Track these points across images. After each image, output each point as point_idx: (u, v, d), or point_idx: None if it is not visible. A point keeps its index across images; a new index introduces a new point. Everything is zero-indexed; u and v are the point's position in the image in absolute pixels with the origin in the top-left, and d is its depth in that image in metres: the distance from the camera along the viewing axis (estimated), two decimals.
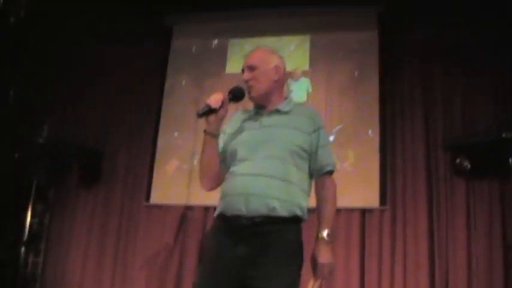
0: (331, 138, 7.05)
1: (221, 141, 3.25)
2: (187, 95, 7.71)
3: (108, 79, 7.96)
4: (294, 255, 3.03)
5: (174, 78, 7.83)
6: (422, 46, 7.19)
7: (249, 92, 3.26)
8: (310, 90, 7.36)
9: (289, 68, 7.24)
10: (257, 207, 2.94)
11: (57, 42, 7.87)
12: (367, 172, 6.89)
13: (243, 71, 3.31)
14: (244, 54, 3.47)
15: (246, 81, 3.25)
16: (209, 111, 3.09)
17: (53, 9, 7.28)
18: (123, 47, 7.90)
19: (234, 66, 7.69)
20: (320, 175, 3.22)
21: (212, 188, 3.26)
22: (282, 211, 2.96)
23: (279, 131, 3.16)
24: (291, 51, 7.60)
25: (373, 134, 7.00)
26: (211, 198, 3.69)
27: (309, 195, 3.19)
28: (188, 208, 7.24)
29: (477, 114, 6.79)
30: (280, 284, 2.91)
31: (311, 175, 3.22)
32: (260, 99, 3.28)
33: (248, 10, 7.69)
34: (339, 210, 6.58)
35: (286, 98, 3.36)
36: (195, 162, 7.17)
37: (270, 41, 7.62)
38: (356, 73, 7.31)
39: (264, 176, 3.01)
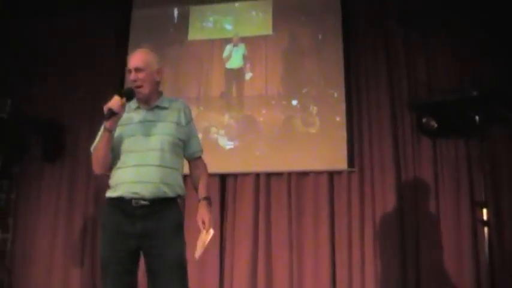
0: (295, 102, 7.08)
1: None
2: None
3: (67, 50, 7.82)
4: (180, 225, 3.82)
5: (135, 48, 7.65)
6: (384, 7, 7.14)
7: (137, 92, 3.81)
8: (246, 53, 7.43)
9: (253, 33, 7.38)
10: (151, 191, 3.64)
11: (10, 16, 7.70)
12: (334, 135, 6.89)
13: (129, 71, 3.82)
14: (130, 56, 3.92)
15: (134, 81, 3.79)
16: (112, 115, 3.61)
17: None
18: (81, 16, 7.75)
19: (196, 33, 7.67)
20: (193, 159, 4.09)
21: (102, 173, 3.83)
22: (170, 193, 3.73)
23: (161, 125, 3.81)
24: (253, 16, 7.54)
25: (338, 96, 6.98)
26: None
27: (183, 175, 3.98)
28: None
29: (441, 73, 6.77)
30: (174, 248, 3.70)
31: (184, 157, 4.03)
32: (145, 98, 3.86)
33: None
34: (307, 174, 6.69)
35: (161, 94, 3.99)
36: None
37: (231, 7, 7.58)
38: (320, 36, 7.26)
39: (151, 165, 3.69)
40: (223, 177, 7.09)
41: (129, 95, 3.73)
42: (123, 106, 3.65)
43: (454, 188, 6.46)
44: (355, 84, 7.06)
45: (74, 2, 7.71)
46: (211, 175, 6.80)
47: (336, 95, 6.99)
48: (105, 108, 3.61)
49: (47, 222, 7.43)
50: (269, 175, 6.97)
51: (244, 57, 7.41)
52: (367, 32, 7.17)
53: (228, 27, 7.58)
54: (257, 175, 6.98)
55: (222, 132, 7.20)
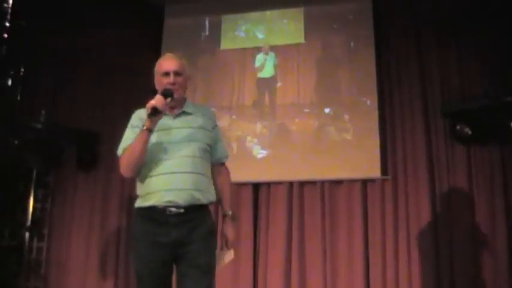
0: (328, 110, 7.10)
1: (135, 135, 3.67)
2: None
3: (101, 60, 7.89)
4: (212, 232, 3.71)
5: None
6: (415, 13, 7.14)
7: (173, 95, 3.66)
8: (277, 63, 7.45)
9: (285, 41, 7.39)
10: (184, 198, 3.52)
11: (47, 27, 7.80)
12: (367, 142, 6.87)
13: (166, 74, 3.71)
14: (167, 59, 3.80)
15: (173, 84, 3.67)
16: (156, 112, 3.46)
17: None
18: (115, 27, 7.81)
19: (228, 42, 7.71)
20: (218, 164, 3.92)
21: (133, 176, 3.69)
22: (203, 199, 3.61)
23: (190, 132, 3.69)
24: (285, 25, 7.56)
25: (371, 104, 6.96)
26: None
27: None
28: None
29: (474, 78, 6.72)
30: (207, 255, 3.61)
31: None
32: (177, 103, 3.72)
33: None
34: (340, 182, 6.67)
35: (185, 100, 3.84)
36: None
37: (263, 16, 7.62)
38: (352, 44, 7.27)
39: (184, 173, 3.57)
40: (256, 186, 7.10)
41: (169, 96, 3.59)
42: (166, 105, 3.54)
43: (488, 195, 6.40)
44: (387, 92, 7.06)
45: (109, 13, 7.78)
46: (244, 184, 6.98)
47: (368, 102, 6.97)
48: (149, 106, 3.47)
49: (82, 231, 7.48)
50: (302, 184, 6.96)
51: (275, 66, 7.42)
52: (399, 39, 7.17)
53: (260, 36, 7.61)
54: (290, 184, 6.97)
55: (255, 140, 7.21)
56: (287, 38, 7.50)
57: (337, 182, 6.86)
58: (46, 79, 7.96)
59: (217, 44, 7.72)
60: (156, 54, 7.48)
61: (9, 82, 7.30)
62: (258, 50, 7.53)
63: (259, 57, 7.49)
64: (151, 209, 3.57)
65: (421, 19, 7.11)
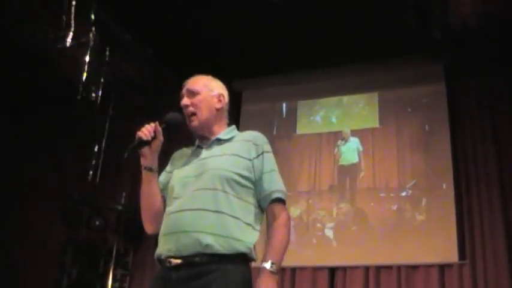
0: (404, 193, 7.01)
1: (163, 179, 3.00)
2: None
3: (179, 146, 8.12)
4: None
5: None
6: (491, 95, 7.10)
7: (190, 121, 2.96)
8: (361, 149, 7.44)
9: (360, 126, 7.46)
10: (187, 244, 2.59)
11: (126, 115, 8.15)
12: (444, 226, 6.77)
13: (182, 96, 3.00)
14: (188, 81, 3.06)
15: (186, 107, 2.95)
16: (141, 144, 2.80)
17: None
18: None
19: (304, 127, 7.88)
20: (268, 203, 2.81)
21: (156, 231, 2.84)
22: (219, 247, 2.57)
23: (214, 160, 2.83)
24: (360, 109, 7.66)
25: (447, 187, 6.89)
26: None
27: (257, 229, 2.80)
28: None
29: None
30: None
31: (260, 205, 2.84)
32: (201, 129, 2.96)
33: (315, 71, 7.79)
34: (417, 267, 6.56)
35: (226, 126, 3.06)
36: None
37: (339, 101, 7.78)
38: (426, 127, 7.27)
39: (192, 210, 2.66)
40: (332, 271, 7.06)
41: (170, 122, 2.91)
42: (157, 133, 2.83)
43: None
44: (463, 173, 6.97)
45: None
46: (320, 268, 6.97)
47: (444, 186, 6.92)
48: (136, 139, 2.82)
49: None
50: (378, 268, 6.88)
51: (359, 152, 7.48)
52: (475, 120, 7.12)
53: (335, 120, 7.74)
54: (366, 268, 6.89)
55: (331, 225, 7.23)
56: (362, 122, 7.61)
57: (414, 267, 6.75)
58: (128, 162, 8.26)
59: (293, 128, 7.91)
60: None
61: (93, 162, 7.60)
62: (334, 135, 7.63)
63: (339, 144, 7.58)
64: (158, 261, 2.73)
65: (496, 99, 7.05)
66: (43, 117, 8.70)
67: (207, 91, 2.98)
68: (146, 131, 2.80)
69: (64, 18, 6.16)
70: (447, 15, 5.95)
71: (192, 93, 2.95)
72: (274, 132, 7.99)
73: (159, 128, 2.84)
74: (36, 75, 7.64)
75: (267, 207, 2.81)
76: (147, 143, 2.79)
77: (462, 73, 7.21)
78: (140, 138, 2.79)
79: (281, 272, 6.98)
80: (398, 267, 6.78)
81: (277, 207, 2.79)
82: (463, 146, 7.08)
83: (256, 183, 2.81)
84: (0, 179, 8.25)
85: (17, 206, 8.45)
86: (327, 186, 7.47)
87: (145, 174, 2.84)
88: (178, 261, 2.58)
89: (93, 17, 6.41)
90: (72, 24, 6.20)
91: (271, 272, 2.58)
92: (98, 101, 6.86)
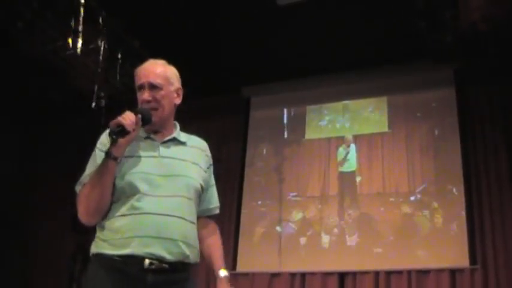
0: (414, 198, 7.05)
1: None
2: (268, 164, 7.89)
3: None
4: None
5: (254, 148, 8.01)
6: (501, 99, 7.07)
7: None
8: (358, 155, 7.53)
9: (369, 131, 7.45)
10: (175, 253, 2.62)
11: None
12: (454, 231, 6.78)
13: (141, 88, 2.83)
14: (142, 67, 2.89)
15: (147, 102, 2.79)
16: (122, 133, 2.59)
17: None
18: (201, 119, 8.09)
19: (312, 132, 7.89)
20: (206, 216, 2.96)
21: (95, 222, 2.73)
22: (192, 257, 2.71)
23: (180, 165, 2.80)
24: (369, 114, 7.64)
25: (457, 192, 6.89)
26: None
27: None
28: (274, 275, 7.29)
29: None
30: None
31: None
32: (159, 125, 2.84)
33: (323, 76, 7.78)
34: (427, 272, 6.55)
35: (176, 125, 2.97)
36: (279, 229, 7.44)
37: (347, 106, 7.79)
38: (436, 131, 7.26)
39: (176, 217, 2.66)
40: (341, 276, 7.05)
41: (145, 117, 2.73)
42: (137, 126, 2.66)
43: None
44: (474, 178, 6.95)
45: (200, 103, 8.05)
46: (329, 273, 6.97)
47: (454, 190, 6.91)
48: (113, 124, 2.60)
49: None
50: (389, 273, 6.87)
51: (357, 159, 7.50)
52: (485, 125, 7.10)
53: (345, 125, 7.72)
54: (376, 273, 6.89)
55: (340, 230, 7.22)
56: (371, 127, 7.60)
57: (425, 272, 6.74)
58: None
59: (301, 133, 7.91)
60: (242, 146, 7.79)
61: None
62: (342, 140, 7.63)
63: (341, 151, 7.60)
64: (125, 259, 2.57)
65: (506, 103, 7.04)
66: (53, 126, 8.73)
67: (168, 85, 2.85)
68: (129, 121, 2.59)
69: (72, 25, 6.17)
70: (457, 21, 5.92)
71: (155, 88, 2.80)
72: (285, 136, 8.02)
73: (140, 121, 2.67)
74: (46, 85, 7.65)
75: (207, 219, 2.98)
76: (128, 133, 2.60)
77: (472, 78, 7.17)
78: (124, 127, 2.57)
79: (291, 277, 7.09)
80: (409, 272, 6.77)
81: (212, 221, 3.03)
82: (473, 150, 7.05)
83: (202, 192, 2.89)
84: (10, 189, 8.26)
85: (28, 216, 8.46)
86: (336, 191, 7.46)
87: (110, 164, 2.61)
88: (165, 266, 2.59)
89: (101, 22, 6.42)
90: (81, 32, 6.20)
91: (228, 278, 2.87)
92: (105, 109, 6.86)
